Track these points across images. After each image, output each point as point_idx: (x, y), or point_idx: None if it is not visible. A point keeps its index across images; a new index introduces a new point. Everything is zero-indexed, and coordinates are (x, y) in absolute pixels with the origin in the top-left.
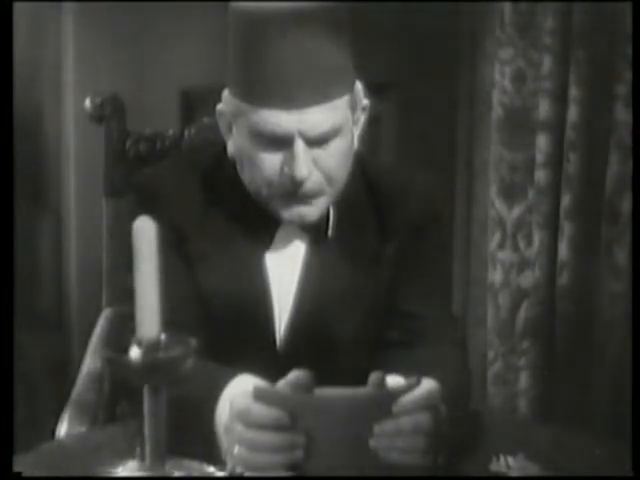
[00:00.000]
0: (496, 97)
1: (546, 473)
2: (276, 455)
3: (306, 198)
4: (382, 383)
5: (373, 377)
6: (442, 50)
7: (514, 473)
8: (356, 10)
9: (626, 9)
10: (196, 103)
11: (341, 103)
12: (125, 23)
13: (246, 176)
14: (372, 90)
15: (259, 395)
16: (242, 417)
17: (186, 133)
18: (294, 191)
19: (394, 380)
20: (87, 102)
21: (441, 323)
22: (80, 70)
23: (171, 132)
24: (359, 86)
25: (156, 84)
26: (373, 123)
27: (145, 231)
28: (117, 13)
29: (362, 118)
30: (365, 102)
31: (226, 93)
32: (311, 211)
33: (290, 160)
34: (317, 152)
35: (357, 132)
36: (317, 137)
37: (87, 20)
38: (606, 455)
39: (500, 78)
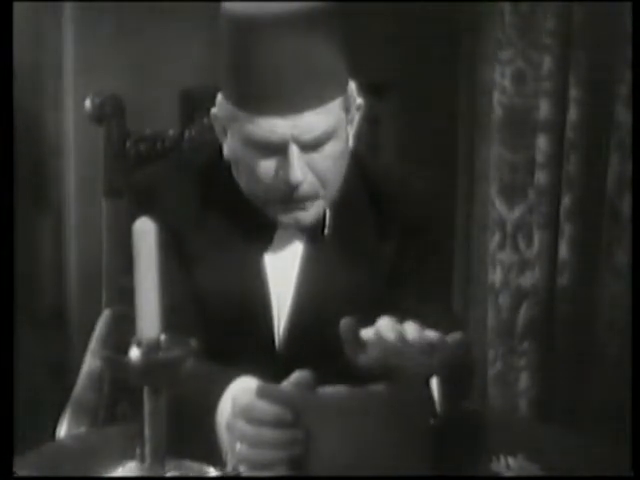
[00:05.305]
0: (496, 97)
1: (546, 473)
2: (277, 451)
3: (301, 202)
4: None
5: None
6: (442, 50)
7: (514, 473)
8: (356, 10)
9: (626, 9)
10: (196, 103)
11: (335, 105)
12: (125, 23)
13: (242, 179)
14: (372, 90)
15: (262, 392)
16: (244, 413)
17: (186, 133)
18: (289, 195)
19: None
20: (87, 102)
21: (441, 322)
22: (80, 70)
23: (171, 132)
24: (352, 86)
25: (156, 84)
26: (372, 123)
27: (145, 232)
28: (117, 13)
29: (357, 117)
30: (359, 101)
31: (220, 97)
32: (307, 215)
33: (285, 165)
34: (312, 156)
35: (352, 132)
36: (311, 141)
37: (87, 21)
38: (606, 455)
39: (500, 78)
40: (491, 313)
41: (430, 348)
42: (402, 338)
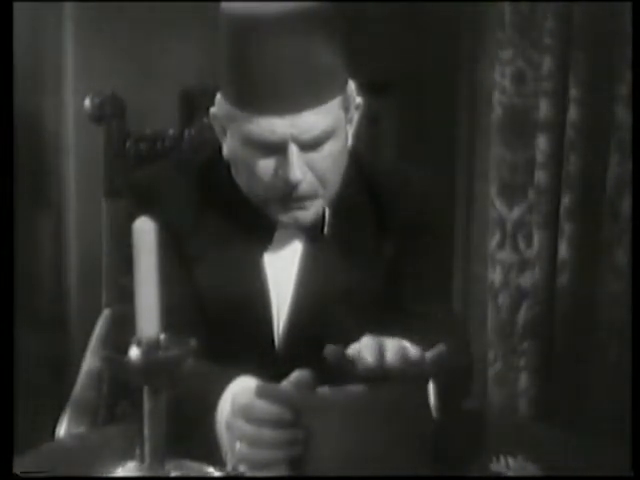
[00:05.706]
0: (496, 97)
1: (546, 473)
2: (276, 451)
3: (301, 201)
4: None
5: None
6: (442, 50)
7: (514, 473)
8: (356, 10)
9: (626, 9)
10: (196, 103)
11: (333, 105)
12: (125, 23)
13: (241, 179)
14: (372, 90)
15: (262, 392)
16: (244, 413)
17: (186, 133)
18: (289, 194)
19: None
20: (87, 102)
21: (441, 322)
22: (80, 70)
23: (171, 132)
24: (352, 85)
25: (156, 84)
26: (372, 122)
27: (145, 232)
28: (117, 13)
29: (356, 117)
30: (358, 100)
31: (219, 97)
32: (306, 214)
33: (284, 164)
34: (311, 155)
35: (351, 131)
36: (310, 141)
37: (87, 20)
38: (606, 455)
39: (500, 78)
40: (491, 313)
41: (410, 367)
42: (381, 360)
